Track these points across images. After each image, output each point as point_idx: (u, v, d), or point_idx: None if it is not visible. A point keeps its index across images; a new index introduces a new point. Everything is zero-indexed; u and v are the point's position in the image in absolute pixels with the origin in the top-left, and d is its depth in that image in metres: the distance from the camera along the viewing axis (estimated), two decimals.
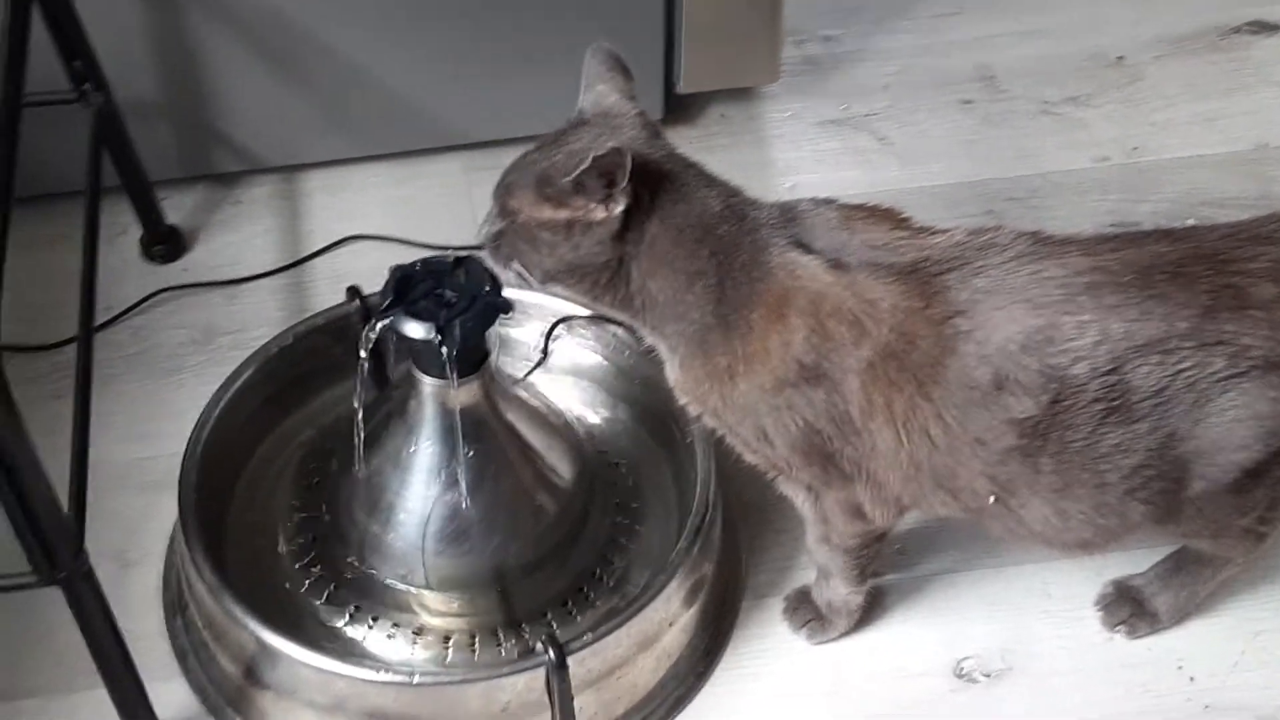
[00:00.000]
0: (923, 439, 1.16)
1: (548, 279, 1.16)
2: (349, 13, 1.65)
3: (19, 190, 1.17)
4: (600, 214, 1.10)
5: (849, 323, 1.13)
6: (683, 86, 1.82)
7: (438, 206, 1.76)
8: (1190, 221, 1.72)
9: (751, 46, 1.81)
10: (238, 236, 1.74)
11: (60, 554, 1.13)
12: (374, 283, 1.30)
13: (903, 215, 1.20)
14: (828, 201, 1.20)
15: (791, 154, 1.85)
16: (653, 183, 1.12)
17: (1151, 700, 1.36)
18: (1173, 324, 1.11)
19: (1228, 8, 2.02)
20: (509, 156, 1.18)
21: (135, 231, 1.71)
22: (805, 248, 1.15)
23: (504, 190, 1.15)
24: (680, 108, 1.86)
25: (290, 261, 1.72)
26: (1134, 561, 1.40)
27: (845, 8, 2.03)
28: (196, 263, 1.72)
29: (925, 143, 1.86)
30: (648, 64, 1.75)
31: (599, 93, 1.19)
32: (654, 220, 1.13)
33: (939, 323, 1.13)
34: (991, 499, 1.19)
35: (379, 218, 1.75)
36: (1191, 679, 1.37)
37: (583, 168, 1.07)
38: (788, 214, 1.18)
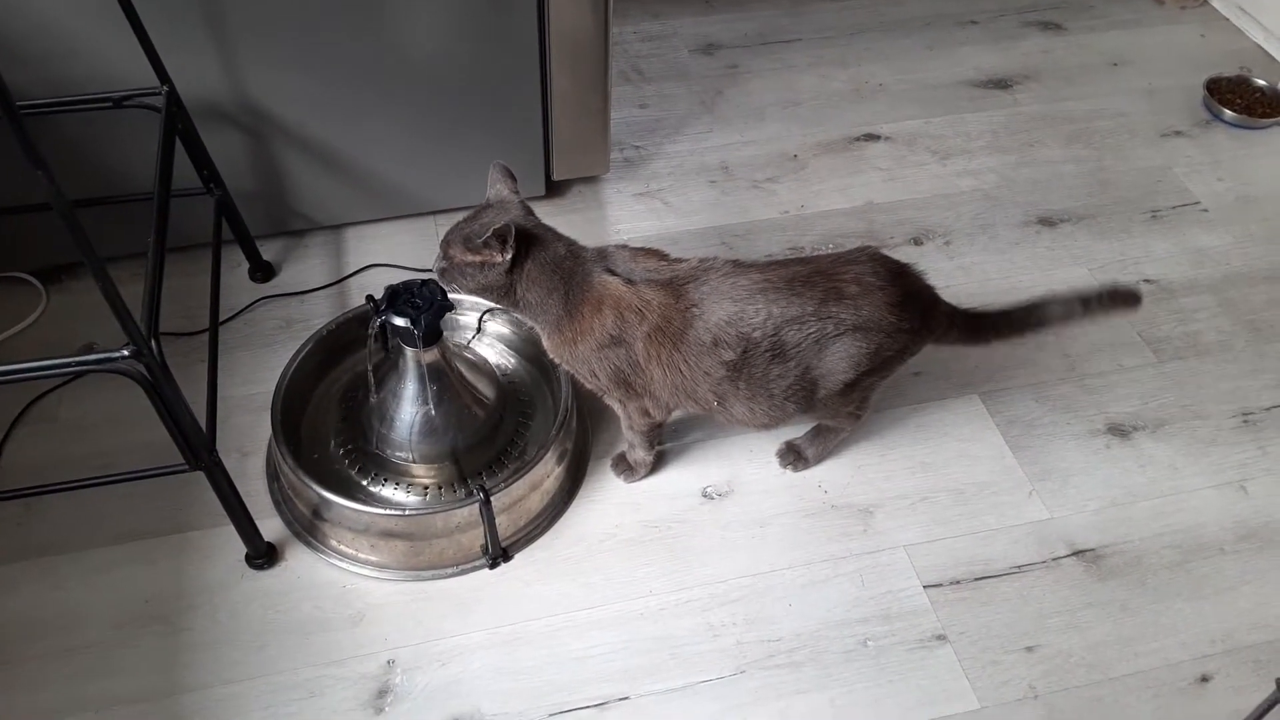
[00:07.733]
0: (676, 373, 1.19)
1: (471, 293, 1.17)
2: (372, 139, 1.61)
3: (173, 243, 1.17)
4: (498, 258, 1.12)
5: (636, 312, 1.16)
6: (556, 175, 1.80)
7: (419, 247, 1.73)
8: (830, 247, 1.76)
9: (593, 152, 1.79)
10: (305, 266, 1.71)
11: (200, 452, 1.13)
12: (381, 292, 1.29)
13: (664, 252, 1.21)
14: (623, 245, 1.22)
15: (618, 213, 1.84)
16: (527, 240, 1.14)
17: (804, 503, 1.41)
18: (804, 308, 1.16)
19: (852, 126, 2.03)
20: (455, 218, 1.18)
21: (244, 265, 1.67)
22: (612, 272, 1.17)
23: (446, 244, 1.16)
24: (555, 189, 1.85)
25: (335, 280, 1.69)
26: (795, 431, 1.45)
27: (646, 129, 2.01)
28: (281, 282, 1.68)
29: (690, 205, 1.85)
30: (536, 163, 1.75)
31: (497, 189, 1.20)
32: (529, 261, 1.14)
33: (684, 310, 1.16)
34: (715, 403, 1.23)
35: (386, 254, 1.72)
36: (826, 491, 1.42)
37: (489, 233, 1.09)
38: (601, 253, 1.20)
